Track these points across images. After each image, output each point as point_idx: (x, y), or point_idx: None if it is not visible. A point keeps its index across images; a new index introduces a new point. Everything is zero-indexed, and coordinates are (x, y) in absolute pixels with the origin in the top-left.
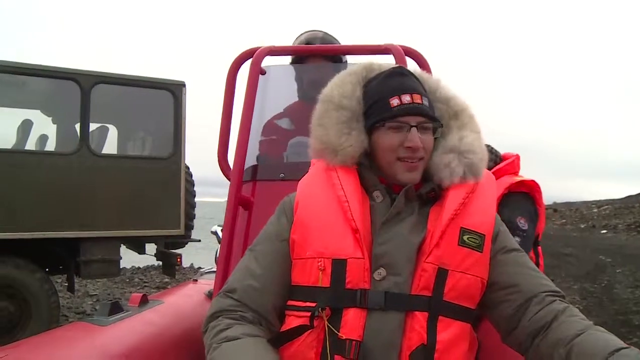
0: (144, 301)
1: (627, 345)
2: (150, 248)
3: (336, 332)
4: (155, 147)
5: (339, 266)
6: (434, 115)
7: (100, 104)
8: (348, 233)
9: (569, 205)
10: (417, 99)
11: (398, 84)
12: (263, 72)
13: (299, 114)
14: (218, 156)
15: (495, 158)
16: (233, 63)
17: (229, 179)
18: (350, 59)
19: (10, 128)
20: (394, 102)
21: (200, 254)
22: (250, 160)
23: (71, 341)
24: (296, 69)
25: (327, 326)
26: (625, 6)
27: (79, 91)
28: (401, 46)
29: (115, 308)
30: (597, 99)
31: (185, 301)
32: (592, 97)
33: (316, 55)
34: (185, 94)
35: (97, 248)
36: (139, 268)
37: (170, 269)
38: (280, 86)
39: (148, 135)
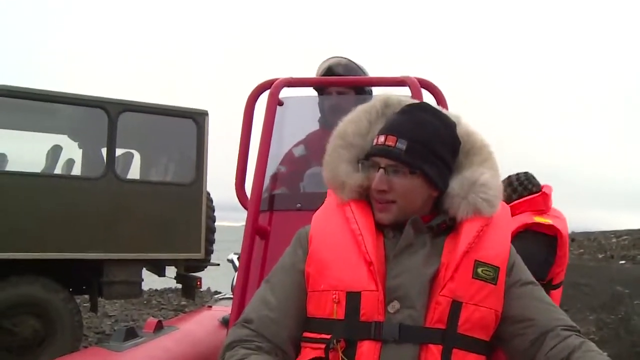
0: (159, 327)
1: None
2: (170, 271)
3: None
4: (178, 173)
5: (353, 298)
6: (405, 158)
7: (126, 131)
8: (362, 266)
9: (587, 235)
10: (390, 140)
11: (389, 123)
12: (281, 103)
13: (319, 142)
14: (235, 186)
15: (532, 188)
16: (251, 94)
17: (246, 209)
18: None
19: (40, 152)
20: (375, 141)
21: (217, 277)
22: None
23: None
24: (314, 100)
25: (342, 358)
26: None
27: (107, 118)
28: (417, 78)
29: (131, 334)
30: (616, 126)
31: (199, 328)
32: (612, 124)
33: (339, 85)
34: (207, 122)
35: (119, 270)
36: (156, 290)
37: (190, 291)
38: (298, 117)
39: (171, 162)
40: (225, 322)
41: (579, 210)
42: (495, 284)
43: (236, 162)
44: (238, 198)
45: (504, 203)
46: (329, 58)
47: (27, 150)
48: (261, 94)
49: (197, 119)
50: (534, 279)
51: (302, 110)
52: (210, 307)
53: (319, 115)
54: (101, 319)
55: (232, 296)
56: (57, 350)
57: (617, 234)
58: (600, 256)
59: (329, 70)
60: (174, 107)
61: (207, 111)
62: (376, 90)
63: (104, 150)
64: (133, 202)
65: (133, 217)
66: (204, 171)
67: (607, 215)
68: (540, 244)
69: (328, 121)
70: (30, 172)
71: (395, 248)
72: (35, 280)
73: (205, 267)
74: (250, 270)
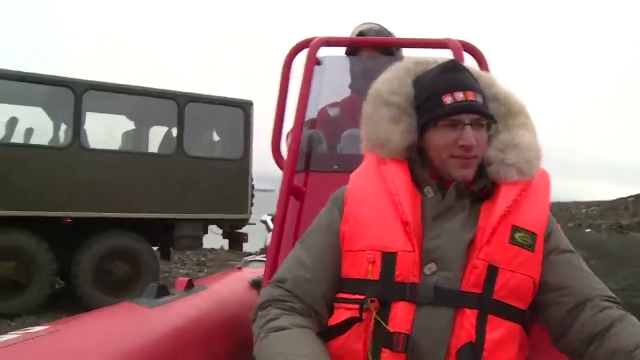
0: (189, 286)
1: None
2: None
3: (385, 324)
4: (230, 150)
5: (388, 259)
6: (487, 112)
7: (191, 117)
8: (398, 226)
9: (561, 205)
10: (471, 95)
11: (451, 80)
12: (319, 63)
13: (350, 106)
14: (272, 146)
15: None
16: (288, 53)
17: (281, 168)
18: (406, 52)
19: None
20: (447, 99)
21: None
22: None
23: (120, 320)
24: (350, 61)
25: (376, 319)
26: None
27: (177, 107)
28: (460, 41)
29: (162, 291)
30: (595, 98)
31: (229, 288)
32: (590, 95)
33: (370, 48)
34: (252, 109)
35: (187, 227)
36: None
37: (239, 244)
38: (336, 77)
39: (225, 142)
40: (254, 284)
41: (556, 180)
42: (532, 251)
43: (272, 122)
44: (274, 158)
45: (544, 170)
46: (362, 24)
47: (113, 133)
48: (298, 53)
49: (244, 107)
50: (572, 247)
51: (340, 70)
52: (240, 268)
53: (351, 78)
54: None
55: (261, 258)
56: (142, 288)
57: (588, 204)
58: (569, 225)
59: (361, 35)
60: (226, 97)
61: (252, 101)
62: (413, 52)
63: (174, 132)
64: (197, 173)
65: (197, 185)
66: (250, 149)
67: (584, 185)
68: None
69: (358, 86)
70: (122, 150)
71: (433, 208)
72: (126, 234)
73: (244, 225)
74: (284, 231)
